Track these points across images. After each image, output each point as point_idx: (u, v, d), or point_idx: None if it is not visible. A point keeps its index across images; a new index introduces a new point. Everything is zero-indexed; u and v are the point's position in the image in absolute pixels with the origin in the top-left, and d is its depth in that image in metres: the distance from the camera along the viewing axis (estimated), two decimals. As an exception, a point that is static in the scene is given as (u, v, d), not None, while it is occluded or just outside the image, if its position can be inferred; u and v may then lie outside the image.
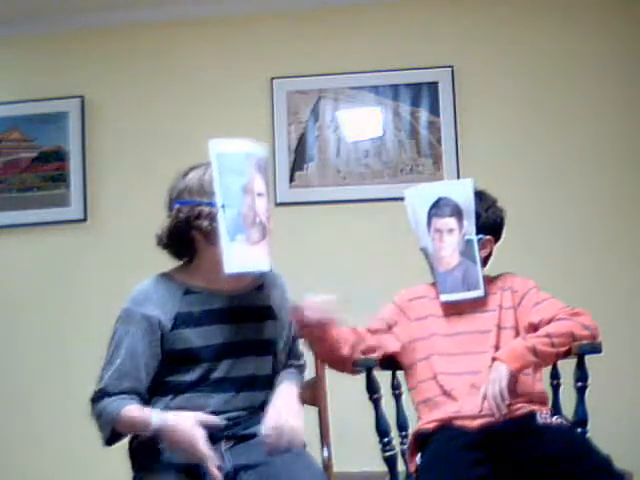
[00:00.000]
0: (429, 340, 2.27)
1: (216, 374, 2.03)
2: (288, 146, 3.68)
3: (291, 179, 3.68)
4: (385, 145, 3.66)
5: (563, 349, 2.12)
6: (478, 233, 2.27)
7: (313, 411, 2.39)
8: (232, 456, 2.00)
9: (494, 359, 2.10)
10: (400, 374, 2.38)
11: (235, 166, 2.01)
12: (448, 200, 2.28)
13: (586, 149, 3.56)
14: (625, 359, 3.30)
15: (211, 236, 2.00)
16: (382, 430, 2.33)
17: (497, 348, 2.18)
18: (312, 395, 2.36)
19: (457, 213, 2.27)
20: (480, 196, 2.31)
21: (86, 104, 3.77)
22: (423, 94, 3.65)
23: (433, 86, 3.64)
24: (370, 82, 3.68)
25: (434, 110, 3.63)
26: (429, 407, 2.23)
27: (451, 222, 2.27)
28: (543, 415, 2.12)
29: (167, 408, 1.98)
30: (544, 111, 3.59)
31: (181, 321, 2.02)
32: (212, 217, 1.98)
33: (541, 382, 2.26)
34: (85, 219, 3.74)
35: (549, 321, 2.17)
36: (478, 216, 2.27)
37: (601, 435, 2.12)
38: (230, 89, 3.73)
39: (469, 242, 2.25)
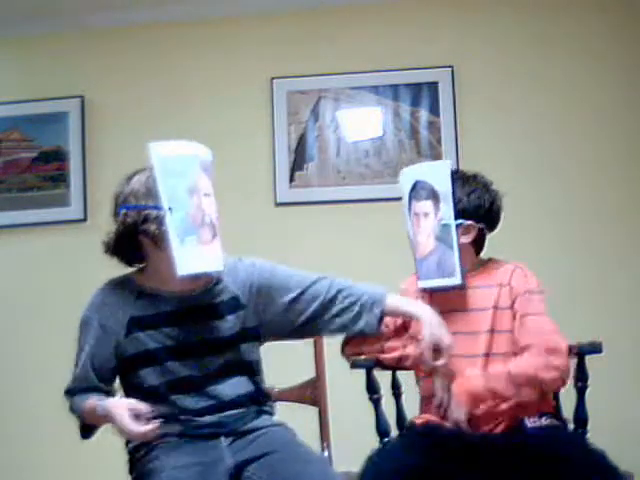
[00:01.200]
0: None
1: (181, 374, 2.05)
2: (288, 146, 3.68)
3: (291, 179, 3.68)
4: (385, 145, 3.66)
5: (526, 394, 2.02)
6: (458, 218, 2.14)
7: (313, 411, 2.39)
8: (233, 452, 2.01)
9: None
10: (400, 374, 2.37)
11: (178, 168, 2.01)
12: (424, 183, 2.18)
13: (586, 149, 3.56)
14: (625, 359, 3.30)
15: (159, 240, 2.01)
16: (382, 430, 2.33)
17: (488, 355, 2.10)
18: (312, 395, 2.36)
19: (433, 196, 2.16)
20: (465, 179, 2.19)
21: (86, 104, 3.77)
22: (423, 94, 3.65)
23: (433, 86, 3.64)
24: (370, 82, 3.68)
25: (434, 110, 3.63)
26: (425, 404, 2.22)
27: (427, 205, 2.17)
28: (532, 420, 2.06)
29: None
30: (544, 111, 3.59)
31: (135, 324, 2.06)
32: (159, 221, 1.98)
33: None
34: (85, 219, 3.74)
35: (521, 350, 2.06)
36: (459, 200, 2.14)
37: (601, 435, 2.11)
38: (230, 89, 3.73)
39: (445, 227, 2.13)
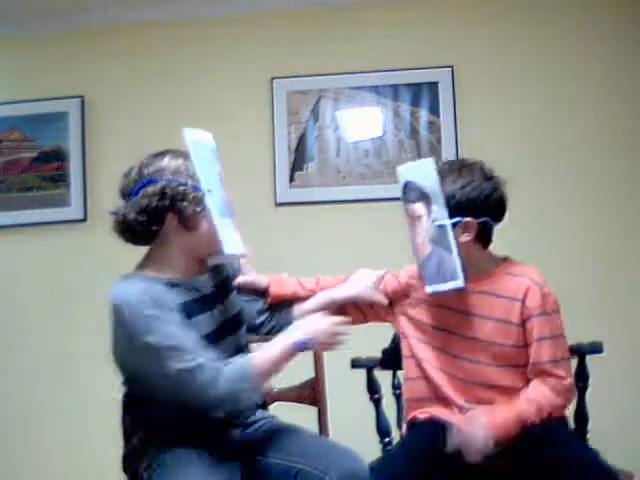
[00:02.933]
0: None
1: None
2: (288, 146, 3.68)
3: (291, 179, 3.68)
4: (385, 145, 3.66)
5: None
6: (455, 215, 1.98)
7: (313, 411, 2.39)
8: (243, 443, 2.02)
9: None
10: (400, 374, 2.37)
11: (207, 155, 2.00)
12: (413, 184, 2.03)
13: (587, 149, 3.56)
14: (625, 359, 3.30)
15: (191, 222, 1.93)
16: (383, 430, 2.33)
17: (480, 362, 2.03)
18: (312, 395, 2.36)
19: (424, 198, 2.01)
20: (458, 171, 2.02)
21: (86, 104, 3.77)
22: (423, 94, 3.65)
23: (433, 86, 3.64)
24: (370, 82, 3.67)
25: (434, 110, 3.63)
26: (410, 406, 2.18)
27: (418, 208, 2.02)
28: None
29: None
30: (544, 111, 3.59)
31: (182, 312, 1.92)
32: (197, 201, 1.92)
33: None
34: (85, 219, 3.74)
35: (536, 373, 1.99)
36: (452, 195, 1.98)
37: (601, 435, 2.11)
38: (230, 89, 3.73)
39: (441, 228, 1.98)
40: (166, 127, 3.71)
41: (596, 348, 2.17)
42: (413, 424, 2.13)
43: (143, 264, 2.01)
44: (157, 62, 3.79)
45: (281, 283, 2.23)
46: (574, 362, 2.20)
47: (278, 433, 2.06)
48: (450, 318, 2.08)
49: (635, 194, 3.52)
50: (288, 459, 1.96)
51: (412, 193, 2.04)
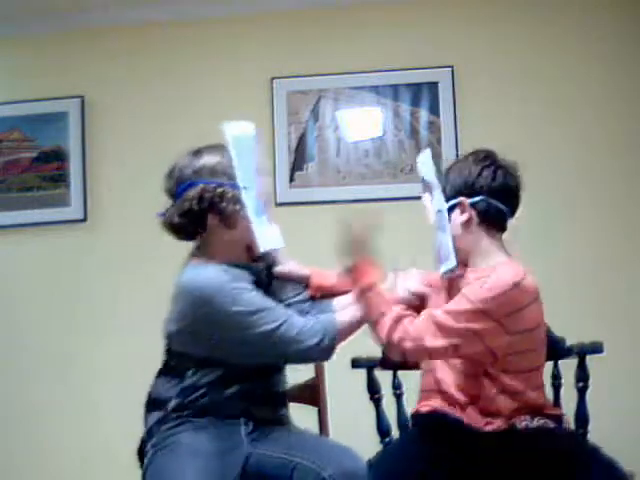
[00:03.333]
0: None
1: None
2: (288, 146, 3.68)
3: (291, 179, 3.68)
4: (385, 145, 3.66)
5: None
6: (450, 200, 2.05)
7: (313, 411, 2.39)
8: (251, 439, 2.02)
9: None
10: (401, 374, 2.37)
11: (246, 147, 2.05)
12: (422, 178, 2.15)
13: (587, 149, 3.56)
14: (625, 359, 3.30)
15: (231, 219, 2.01)
16: (383, 430, 2.33)
17: None
18: (312, 395, 2.36)
19: (428, 188, 2.11)
20: (456, 162, 2.13)
21: (86, 104, 3.77)
22: (423, 94, 3.65)
23: (433, 86, 3.64)
24: (370, 82, 3.68)
25: (434, 110, 3.63)
26: (422, 397, 2.14)
27: (425, 199, 2.13)
28: (521, 420, 1.95)
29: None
30: (544, 111, 3.59)
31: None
32: (235, 200, 2.00)
33: (535, 391, 2.03)
34: (85, 219, 3.74)
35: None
36: (447, 183, 2.07)
37: (601, 435, 2.11)
38: (230, 89, 3.73)
39: (440, 213, 2.06)
40: (166, 127, 3.75)
41: (596, 348, 2.17)
42: (415, 417, 2.12)
43: (195, 255, 2.08)
44: (157, 62, 3.79)
45: (321, 275, 2.24)
46: (574, 362, 2.20)
47: (278, 428, 2.07)
48: (442, 303, 2.06)
49: (635, 194, 3.52)
50: (286, 452, 1.97)
51: (422, 186, 2.13)
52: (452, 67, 3.61)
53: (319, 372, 2.39)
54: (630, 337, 3.39)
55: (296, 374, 2.41)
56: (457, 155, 3.56)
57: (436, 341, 1.89)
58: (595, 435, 2.15)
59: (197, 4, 3.73)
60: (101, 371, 3.65)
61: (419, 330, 1.91)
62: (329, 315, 2.00)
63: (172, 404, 2.02)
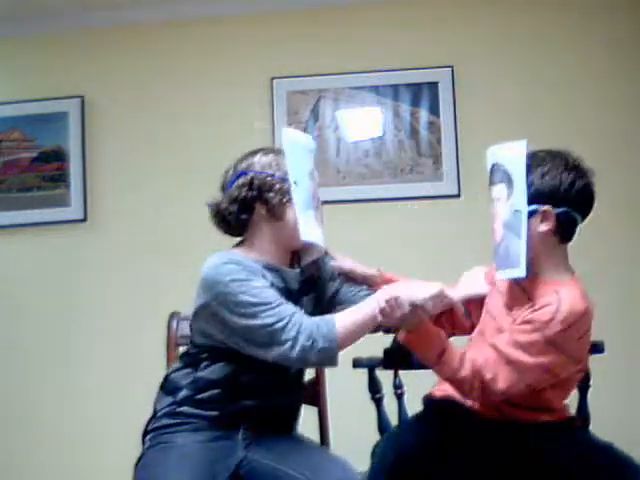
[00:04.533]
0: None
1: None
2: (288, 146, 3.68)
3: (291, 179, 3.67)
4: (385, 145, 3.66)
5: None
6: (533, 204, 1.90)
7: (313, 411, 2.39)
8: (245, 445, 2.03)
9: None
10: (401, 374, 2.37)
11: (301, 153, 2.10)
12: (499, 166, 1.96)
13: (586, 150, 3.55)
14: (625, 359, 3.30)
15: (278, 211, 2.04)
16: (384, 430, 2.33)
17: None
18: (312, 395, 2.36)
19: (507, 180, 1.93)
20: (542, 159, 1.94)
21: (86, 104, 3.77)
22: (423, 94, 3.65)
23: (433, 86, 3.64)
24: (370, 82, 3.67)
25: (434, 110, 3.63)
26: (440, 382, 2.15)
27: (500, 190, 1.95)
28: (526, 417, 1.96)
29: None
30: (544, 111, 3.59)
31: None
32: (283, 193, 2.03)
33: (555, 395, 2.00)
34: (85, 219, 3.74)
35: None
36: (531, 183, 1.90)
37: (602, 435, 2.11)
38: (230, 89, 3.73)
39: (517, 213, 1.90)
40: (166, 127, 3.75)
41: (596, 348, 2.17)
42: (428, 400, 2.11)
43: (236, 246, 2.13)
44: (157, 62, 3.79)
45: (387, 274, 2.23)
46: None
47: (276, 436, 2.07)
48: (498, 303, 2.04)
49: (635, 194, 3.52)
50: (277, 461, 1.98)
51: (497, 174, 1.97)
52: (452, 67, 3.61)
53: (320, 372, 2.39)
54: (630, 337, 3.39)
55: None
56: (457, 155, 3.57)
57: (511, 385, 1.85)
58: (595, 435, 2.15)
59: (197, 4, 3.73)
60: (101, 370, 3.65)
61: (496, 377, 1.85)
62: (331, 319, 1.94)
63: (182, 394, 2.05)
